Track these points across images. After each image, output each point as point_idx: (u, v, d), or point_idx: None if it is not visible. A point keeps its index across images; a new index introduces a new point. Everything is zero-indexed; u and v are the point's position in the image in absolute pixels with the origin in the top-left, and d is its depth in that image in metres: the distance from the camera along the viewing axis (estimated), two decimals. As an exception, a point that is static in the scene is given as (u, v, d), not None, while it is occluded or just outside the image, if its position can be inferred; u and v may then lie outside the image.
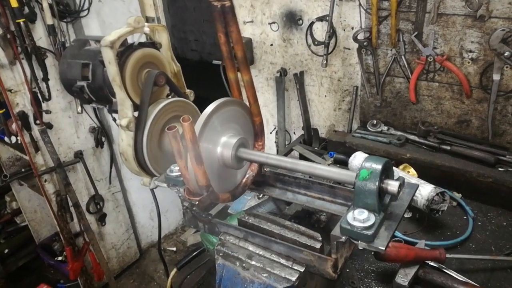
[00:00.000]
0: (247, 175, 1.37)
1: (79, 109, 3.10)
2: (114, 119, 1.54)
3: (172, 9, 6.12)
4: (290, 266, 1.09)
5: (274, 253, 1.12)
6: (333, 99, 2.47)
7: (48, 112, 2.91)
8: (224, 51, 1.23)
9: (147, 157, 1.32)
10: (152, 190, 1.60)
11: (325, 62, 2.23)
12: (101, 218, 3.54)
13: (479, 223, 1.80)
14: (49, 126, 2.96)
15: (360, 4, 2.08)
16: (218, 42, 1.21)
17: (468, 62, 1.91)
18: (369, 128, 2.26)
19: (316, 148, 2.51)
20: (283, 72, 2.53)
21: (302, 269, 1.07)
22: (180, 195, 1.23)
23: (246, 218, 1.24)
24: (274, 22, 2.46)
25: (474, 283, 1.47)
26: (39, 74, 2.74)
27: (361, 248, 0.98)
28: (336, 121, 2.54)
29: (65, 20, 2.90)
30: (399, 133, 2.18)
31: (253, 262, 1.12)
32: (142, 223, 4.02)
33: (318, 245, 1.10)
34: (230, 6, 1.14)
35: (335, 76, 2.40)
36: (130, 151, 1.31)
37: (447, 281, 1.47)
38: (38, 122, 2.83)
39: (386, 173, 1.01)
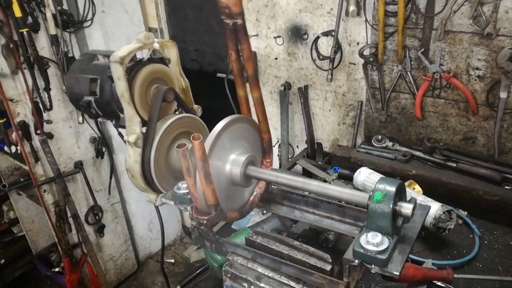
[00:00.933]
0: (254, 193, 1.35)
1: (81, 119, 3.09)
2: (120, 134, 1.53)
3: (172, 19, 6.14)
4: (300, 289, 1.07)
5: (284, 275, 1.10)
6: (337, 113, 2.47)
7: (49, 122, 2.90)
8: (234, 68, 1.22)
9: (155, 174, 1.30)
10: (157, 208, 1.58)
11: (330, 76, 2.23)
12: (100, 229, 3.51)
13: (486, 241, 1.79)
14: (50, 136, 2.95)
15: (366, 20, 2.08)
16: (228, 57, 1.20)
17: (475, 80, 1.91)
18: (374, 144, 2.25)
19: (319, 163, 2.49)
20: (287, 85, 2.53)
21: (312, 293, 1.05)
22: (187, 213, 1.21)
23: (254, 237, 1.22)
24: (279, 36, 2.46)
25: (482, 304, 1.45)
26: (41, 84, 2.73)
27: (373, 272, 0.97)
28: (340, 136, 2.53)
29: (68, 30, 2.90)
30: (404, 149, 2.17)
31: (262, 285, 1.09)
32: (140, 234, 3.99)
33: (328, 267, 1.08)
34: (242, 24, 1.13)
35: (340, 90, 2.40)
36: (137, 167, 1.29)
37: (456, 302, 1.46)
38: (38, 132, 2.81)
39: (400, 195, 1.00)
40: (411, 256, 1.70)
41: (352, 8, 2.07)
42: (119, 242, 3.75)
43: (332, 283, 1.02)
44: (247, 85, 1.25)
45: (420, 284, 1.51)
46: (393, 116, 2.22)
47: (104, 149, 3.37)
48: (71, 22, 2.94)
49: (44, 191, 3.04)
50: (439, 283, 1.54)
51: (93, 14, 3.01)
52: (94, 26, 3.02)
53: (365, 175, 2.03)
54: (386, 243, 0.95)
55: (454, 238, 1.80)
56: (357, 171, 2.07)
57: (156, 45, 1.30)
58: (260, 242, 1.20)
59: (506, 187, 1.87)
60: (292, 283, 1.08)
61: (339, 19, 2.13)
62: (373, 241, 0.94)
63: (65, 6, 2.85)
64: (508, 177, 1.89)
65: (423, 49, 1.96)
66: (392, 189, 0.97)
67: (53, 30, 2.71)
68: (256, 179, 1.27)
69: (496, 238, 1.80)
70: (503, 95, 1.82)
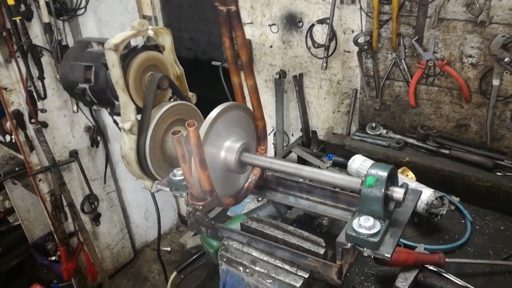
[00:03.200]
0: (249, 180, 1.37)
1: (75, 108, 3.08)
2: (115, 122, 1.53)
3: (167, 7, 6.10)
4: (295, 272, 1.09)
5: (279, 259, 1.12)
6: (332, 101, 2.48)
7: (43, 111, 2.89)
8: (228, 55, 1.22)
9: (150, 161, 1.31)
10: (153, 194, 1.59)
11: (325, 64, 2.23)
12: (96, 218, 3.53)
13: (477, 227, 1.82)
14: (45, 125, 2.94)
15: (361, 8, 2.08)
16: (223, 45, 1.21)
17: (468, 67, 1.92)
18: (368, 131, 2.26)
19: (314, 150, 2.51)
20: (282, 74, 2.53)
21: (306, 275, 1.07)
22: (183, 199, 1.22)
23: (249, 223, 1.24)
24: (274, 24, 2.45)
25: (472, 287, 1.48)
26: (35, 72, 2.72)
27: (366, 255, 0.99)
28: (334, 124, 2.55)
29: (61, 18, 2.88)
30: (398, 136, 2.19)
31: (257, 268, 1.11)
32: (136, 223, 4.01)
33: (322, 251, 1.10)
34: (235, 10, 1.13)
35: (335, 78, 2.40)
36: (132, 154, 1.30)
37: (447, 285, 1.49)
38: (33, 121, 2.81)
39: (391, 180, 1.02)
40: (404, 241, 1.73)
41: (346, -5, 2.07)
42: (115, 230, 3.77)
43: (326, 265, 1.04)
44: (242, 72, 1.25)
45: (412, 268, 1.54)
46: (387, 104, 2.24)
47: (99, 138, 3.37)
48: (64, 10, 2.91)
49: (40, 180, 3.04)
50: (430, 267, 1.58)
51: (87, 2, 2.99)
52: (88, 14, 3.00)
53: (359, 163, 2.05)
54: (378, 226, 0.97)
55: (446, 224, 1.83)
56: (351, 159, 2.08)
57: (151, 32, 1.30)
58: (255, 227, 1.22)
59: (498, 173, 1.90)
60: (287, 267, 1.10)
61: (334, 7, 2.13)
62: (365, 225, 0.96)
63: (58, -6, 2.83)
64: (500, 164, 1.92)
65: (417, 37, 1.96)
66: (384, 174, 0.98)
67: (46, 18, 2.69)
68: (251, 166, 1.28)
69: (488, 223, 1.83)
70: (495, 82, 1.84)
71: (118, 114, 1.35)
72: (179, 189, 1.23)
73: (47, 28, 2.74)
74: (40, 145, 2.89)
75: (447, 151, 2.03)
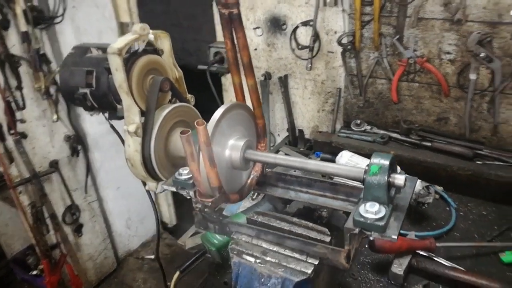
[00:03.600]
0: (251, 176, 1.41)
1: (55, 117, 3.05)
2: (112, 126, 1.55)
3: (140, 13, 6.08)
4: (305, 259, 1.14)
5: (288, 249, 1.17)
6: (316, 101, 2.56)
7: (23, 121, 2.84)
8: (230, 57, 1.27)
9: (155, 162, 1.33)
10: (149, 194, 1.61)
11: (310, 65, 2.31)
12: (78, 229, 3.47)
13: (461, 213, 1.93)
14: (24, 135, 2.89)
15: (343, 10, 2.17)
16: (225, 47, 1.26)
17: (446, 63, 2.04)
18: (353, 128, 2.36)
19: (301, 149, 2.58)
20: (267, 75, 2.59)
21: (316, 262, 1.13)
22: (190, 197, 1.26)
23: (255, 217, 1.29)
24: (258, 27, 2.51)
25: (462, 268, 1.58)
26: (13, 82, 2.67)
27: (372, 238, 1.05)
28: (319, 122, 2.63)
29: (39, 26, 2.84)
30: (382, 131, 2.29)
31: (268, 258, 1.16)
32: (118, 232, 3.96)
33: (328, 239, 1.16)
34: (237, 13, 1.18)
35: (319, 79, 2.48)
36: (137, 156, 1.32)
37: (438, 268, 1.58)
38: (12, 132, 2.75)
39: (392, 168, 1.09)
40: (375, 237, 1.81)
41: (329, -2, 2.15)
42: (97, 241, 3.72)
43: (334, 251, 1.10)
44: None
45: (405, 254, 1.63)
46: (371, 101, 2.33)
47: (79, 147, 3.33)
48: (41, 18, 2.87)
49: (20, 192, 2.98)
50: (422, 253, 1.67)
51: (64, 10, 2.96)
52: (65, 22, 2.96)
53: (346, 158, 2.13)
54: (383, 211, 1.03)
55: (432, 212, 1.93)
56: (339, 155, 2.16)
57: (151, 36, 1.33)
58: (262, 221, 1.27)
59: (477, 162, 2.03)
60: (297, 255, 1.15)
61: (317, 9, 2.21)
62: (371, 210, 1.03)
63: (35, 2, 2.79)
64: (479, 153, 2.04)
65: (398, 36, 2.07)
66: (386, 162, 1.05)
67: (24, 27, 2.64)
68: (255, 162, 1.33)
69: (471, 209, 1.95)
70: (472, 76, 1.97)
71: (119, 118, 1.37)
72: (185, 187, 1.26)
73: (25, 37, 2.69)
74: (20, 157, 2.83)
75: (429, 144, 2.14)
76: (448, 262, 1.62)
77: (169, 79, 1.37)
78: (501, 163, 2.00)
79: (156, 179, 1.42)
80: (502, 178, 1.93)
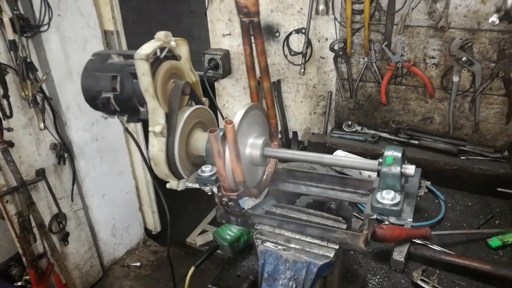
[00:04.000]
0: (266, 172, 1.52)
1: (42, 125, 3.06)
2: (126, 129, 1.63)
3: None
4: (326, 245, 1.25)
5: (309, 236, 1.28)
6: (308, 104, 2.69)
7: (9, 130, 2.83)
8: (247, 61, 1.38)
9: (178, 161, 1.41)
10: (158, 193, 1.68)
11: (303, 70, 2.44)
12: (64, 238, 3.45)
13: (449, 205, 2.08)
14: (11, 144, 2.88)
15: (335, 18, 2.32)
16: (244, 52, 1.36)
17: (431, 67, 2.21)
18: (344, 129, 2.50)
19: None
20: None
21: (337, 247, 1.24)
22: (212, 193, 1.35)
23: (274, 209, 1.40)
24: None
25: (455, 254, 1.73)
26: (-1, 91, 2.68)
27: (387, 223, 1.18)
28: (311, 124, 2.76)
29: (25, 35, 2.85)
30: (372, 131, 2.44)
31: (292, 245, 1.26)
32: (104, 240, 3.96)
33: (344, 226, 1.28)
34: (257, 21, 1.29)
35: (311, 83, 2.62)
36: (162, 156, 1.40)
37: (435, 254, 1.72)
38: (-1, 140, 2.75)
39: (404, 159, 1.22)
40: (393, 221, 1.95)
41: (321, 7, 2.29)
42: (83, 249, 3.71)
43: (354, 236, 1.22)
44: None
45: (404, 242, 1.77)
46: (361, 103, 2.49)
47: (66, 155, 3.34)
48: (28, 26, 2.89)
49: (7, 201, 2.96)
50: (418, 241, 1.81)
51: (50, 19, 2.98)
52: (51, 30, 2.98)
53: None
54: (398, 198, 1.15)
55: (423, 204, 2.08)
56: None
57: (173, 43, 1.41)
58: (281, 213, 1.38)
59: (461, 157, 2.20)
60: (318, 241, 1.26)
61: (310, 18, 2.35)
62: (388, 197, 1.15)
63: (21, 10, 2.80)
64: (462, 149, 2.22)
65: (386, 42, 2.23)
66: (399, 154, 1.18)
67: (11, 35, 2.66)
68: (273, 158, 1.43)
69: (457, 201, 2.11)
70: (455, 79, 2.15)
71: (139, 121, 1.45)
72: (208, 183, 1.35)
73: (12, 46, 2.71)
74: (7, 165, 2.82)
75: (416, 142, 2.30)
76: (443, 248, 1.76)
77: (189, 83, 1.47)
78: (483, 158, 2.19)
79: (178, 177, 1.50)
80: (484, 171, 2.11)
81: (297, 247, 1.26)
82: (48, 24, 2.97)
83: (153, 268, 4.30)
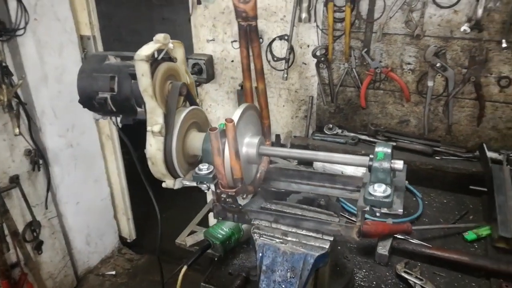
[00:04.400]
0: (259, 171, 1.58)
1: (17, 130, 3.01)
2: (119, 129, 1.65)
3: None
4: (321, 237, 1.32)
5: (305, 230, 1.34)
6: (290, 108, 2.78)
7: (-16, 136, 2.78)
8: (244, 64, 1.45)
9: (176, 160, 1.45)
10: (152, 196, 1.72)
11: (286, 75, 2.53)
12: (38, 246, 3.38)
13: (426, 202, 2.19)
14: (-16, 151, 2.83)
15: (317, 26, 2.42)
16: (240, 54, 1.42)
17: (407, 72, 2.35)
18: (326, 132, 2.59)
19: (277, 153, 2.76)
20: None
21: (331, 239, 1.31)
22: (210, 190, 1.39)
23: (269, 205, 1.46)
24: (235, 41, 2.69)
25: (435, 247, 1.83)
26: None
27: (378, 214, 1.25)
28: (293, 128, 2.84)
29: (0, 39, 2.81)
30: (352, 134, 2.55)
31: (289, 238, 1.32)
32: (78, 248, 3.90)
33: (337, 220, 1.36)
34: (255, 25, 1.35)
35: (293, 88, 2.71)
36: (159, 155, 1.43)
37: (416, 247, 1.81)
38: (-28, 147, 2.69)
39: (392, 155, 1.31)
40: (372, 218, 2.05)
41: (304, 15, 2.39)
42: (57, 258, 3.65)
43: (347, 228, 1.29)
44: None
45: (387, 237, 1.86)
46: (341, 107, 2.59)
47: (40, 161, 3.28)
48: (3, 30, 2.85)
49: (-20, 210, 2.89)
50: (400, 236, 1.91)
51: (26, 23, 2.94)
52: (27, 34, 2.95)
53: (324, 159, 2.35)
54: (388, 190, 1.23)
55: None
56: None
57: (171, 45, 1.46)
58: (276, 208, 1.44)
59: (436, 157, 2.33)
60: (313, 234, 1.32)
61: (292, 25, 2.44)
62: (379, 190, 1.22)
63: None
64: (437, 150, 2.36)
65: (366, 49, 2.35)
66: (389, 150, 1.27)
67: (-13, 39, 2.63)
68: (269, 157, 1.49)
69: (433, 198, 2.23)
70: (430, 83, 2.29)
71: (135, 121, 1.48)
72: (205, 181, 1.39)
73: (-13, 50, 2.67)
74: (-20, 173, 2.76)
75: (394, 143, 2.41)
76: (423, 242, 1.87)
77: (186, 84, 1.51)
78: (456, 158, 2.32)
79: (174, 176, 1.53)
80: (458, 170, 2.25)
81: (294, 240, 1.32)
82: (24, 28, 2.94)
83: (129, 277, 4.26)
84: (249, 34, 1.37)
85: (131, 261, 4.47)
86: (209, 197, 3.40)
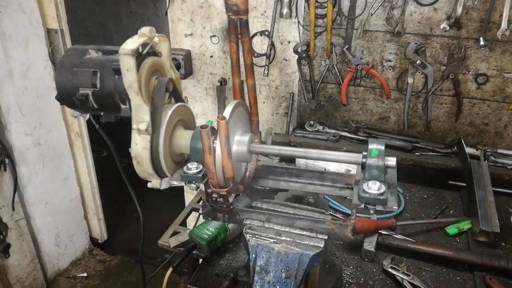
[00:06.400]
0: (249, 169, 1.54)
1: None
2: (100, 126, 1.57)
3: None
4: (315, 236, 1.30)
5: (298, 228, 1.32)
6: (271, 105, 2.75)
7: (-51, 134, 2.61)
8: (233, 59, 1.40)
9: (163, 158, 1.39)
10: (134, 198, 1.65)
11: (267, 71, 2.50)
12: (5, 250, 3.23)
13: (407, 198, 2.22)
14: None
15: (298, 22, 2.40)
16: (230, 49, 1.38)
17: (388, 69, 2.37)
18: (307, 128, 2.58)
19: (258, 150, 2.73)
20: (223, 81, 2.72)
21: (325, 237, 1.29)
22: (197, 189, 1.35)
23: (260, 205, 1.42)
24: (214, 36, 2.64)
25: (419, 242, 1.86)
26: None
27: (372, 212, 1.25)
28: (273, 125, 2.82)
29: None
30: (333, 131, 2.55)
31: (283, 238, 1.30)
32: (47, 251, 3.76)
33: (329, 217, 1.34)
34: (246, 20, 1.31)
35: (273, 84, 2.68)
36: (145, 153, 1.36)
37: (401, 243, 1.83)
38: None
39: (385, 152, 1.30)
40: (359, 214, 2.05)
41: (285, 10, 2.37)
42: (25, 261, 3.50)
43: (342, 225, 1.28)
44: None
45: (372, 234, 1.87)
46: (322, 103, 2.59)
47: (6, 160, 3.12)
48: None
49: None
50: (384, 232, 1.93)
51: (-10, 16, 2.79)
52: None
53: (306, 155, 2.34)
54: (383, 188, 1.23)
55: (384, 198, 2.21)
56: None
57: (157, 39, 1.40)
58: (267, 207, 1.41)
59: (416, 153, 2.37)
60: (307, 233, 1.30)
61: (273, 21, 2.41)
62: (374, 187, 1.21)
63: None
64: (416, 146, 2.39)
65: (347, 46, 2.35)
66: (382, 147, 1.26)
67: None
68: (260, 155, 1.46)
69: (414, 194, 2.26)
70: (410, 80, 2.32)
71: (116, 118, 1.41)
72: (194, 181, 1.35)
73: (-50, 44, 2.50)
74: None
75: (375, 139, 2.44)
76: (407, 237, 1.89)
77: (172, 79, 1.45)
78: (435, 153, 2.37)
79: (160, 176, 1.47)
80: (437, 165, 2.29)
81: (288, 239, 1.29)
82: (-12, 21, 2.78)
83: (102, 278, 4.14)
84: (239, 28, 1.32)
85: (103, 263, 4.35)
86: (189, 196, 3.34)
